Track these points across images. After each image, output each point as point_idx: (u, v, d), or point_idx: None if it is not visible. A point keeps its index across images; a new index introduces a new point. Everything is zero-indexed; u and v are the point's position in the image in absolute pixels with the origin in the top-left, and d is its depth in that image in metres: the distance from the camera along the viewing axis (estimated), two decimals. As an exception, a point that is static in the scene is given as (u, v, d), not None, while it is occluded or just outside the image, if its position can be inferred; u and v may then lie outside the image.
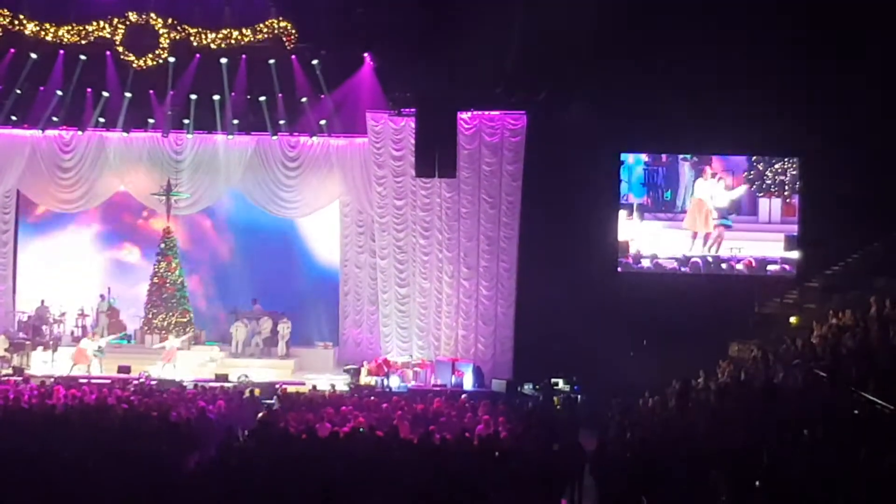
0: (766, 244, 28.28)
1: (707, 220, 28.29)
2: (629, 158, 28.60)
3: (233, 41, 28.51)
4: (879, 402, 14.63)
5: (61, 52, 29.00)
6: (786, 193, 28.18)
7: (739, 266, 28.28)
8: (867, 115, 24.69)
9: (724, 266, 28.32)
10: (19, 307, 31.92)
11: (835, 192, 26.01)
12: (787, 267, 27.98)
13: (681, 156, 28.67)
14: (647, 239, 28.64)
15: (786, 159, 28.10)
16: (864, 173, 25.15)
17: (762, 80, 25.59)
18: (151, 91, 29.68)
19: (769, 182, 28.27)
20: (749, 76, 25.60)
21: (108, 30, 28.52)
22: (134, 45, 28.59)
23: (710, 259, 28.33)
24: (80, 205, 31.87)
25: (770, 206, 28.39)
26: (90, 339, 28.91)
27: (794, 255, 27.86)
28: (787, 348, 21.08)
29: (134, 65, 28.76)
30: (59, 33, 28.46)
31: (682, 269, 28.43)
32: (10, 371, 27.60)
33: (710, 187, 28.32)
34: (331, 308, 31.65)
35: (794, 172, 28.11)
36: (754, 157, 28.25)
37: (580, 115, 26.86)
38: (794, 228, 28.11)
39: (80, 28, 28.48)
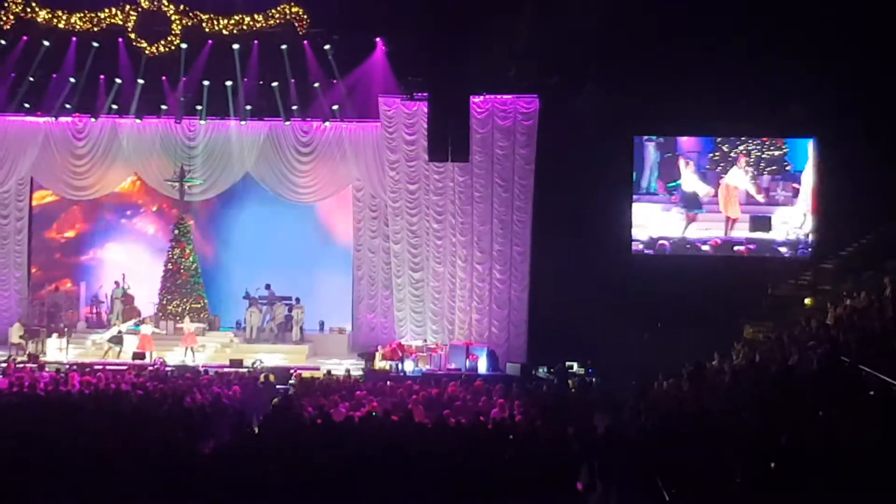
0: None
1: (735, 205, 28.33)
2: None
3: (245, 27, 28.52)
4: (895, 382, 14.61)
5: (74, 39, 29.04)
6: (750, 175, 28.25)
7: (706, 247, 28.37)
8: (883, 95, 24.58)
9: (688, 247, 28.47)
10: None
11: (848, 173, 25.93)
12: (752, 247, 28.08)
13: (645, 137, 28.66)
14: None
15: (749, 140, 28.16)
16: (878, 154, 25.03)
17: (779, 60, 25.47)
18: (164, 77, 29.70)
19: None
20: (765, 57, 25.50)
21: (121, 16, 28.57)
22: (146, 31, 28.62)
23: (676, 240, 28.47)
24: (93, 192, 31.94)
25: None
26: (148, 323, 29.23)
27: (758, 235, 28.01)
28: (802, 330, 21.05)
29: (146, 51, 28.79)
30: (72, 20, 28.51)
31: (647, 251, 28.56)
32: (25, 358, 27.71)
33: (743, 175, 28.31)
34: (345, 293, 31.67)
35: (759, 154, 28.13)
36: (719, 139, 28.33)
37: (593, 99, 26.81)
38: (757, 209, 28.26)
39: (93, 15, 28.52)
